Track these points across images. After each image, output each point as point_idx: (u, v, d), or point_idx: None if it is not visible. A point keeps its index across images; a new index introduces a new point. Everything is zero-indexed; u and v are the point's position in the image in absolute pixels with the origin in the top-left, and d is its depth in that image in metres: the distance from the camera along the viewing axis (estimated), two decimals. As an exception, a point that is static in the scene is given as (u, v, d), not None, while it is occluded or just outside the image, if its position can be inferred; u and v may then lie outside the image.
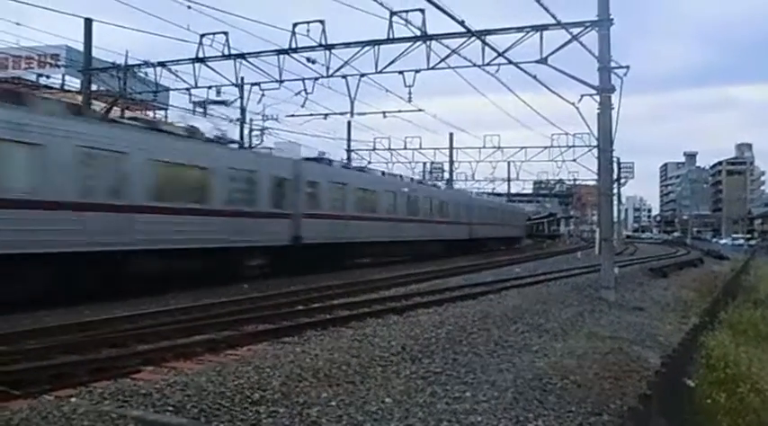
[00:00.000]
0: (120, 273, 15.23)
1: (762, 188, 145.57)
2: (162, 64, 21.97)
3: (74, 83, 29.72)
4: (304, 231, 21.75)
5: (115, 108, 25.44)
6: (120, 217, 15.27)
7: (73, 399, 6.11)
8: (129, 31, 61.40)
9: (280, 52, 20.15)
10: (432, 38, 18.46)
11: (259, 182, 20.20)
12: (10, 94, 16.39)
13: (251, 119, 31.81)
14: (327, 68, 20.07)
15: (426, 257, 30.67)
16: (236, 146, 23.50)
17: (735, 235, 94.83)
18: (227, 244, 18.41)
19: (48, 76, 34.32)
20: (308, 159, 25.23)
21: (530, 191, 73.53)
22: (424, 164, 51.54)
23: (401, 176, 36.04)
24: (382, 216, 28.14)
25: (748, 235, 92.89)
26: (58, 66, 33.84)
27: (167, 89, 25.58)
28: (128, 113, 27.17)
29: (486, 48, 17.77)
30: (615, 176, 40.50)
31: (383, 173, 34.38)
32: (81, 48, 24.18)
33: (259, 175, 20.24)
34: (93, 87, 25.42)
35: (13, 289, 12.36)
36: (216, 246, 18.03)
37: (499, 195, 58.90)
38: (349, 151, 42.44)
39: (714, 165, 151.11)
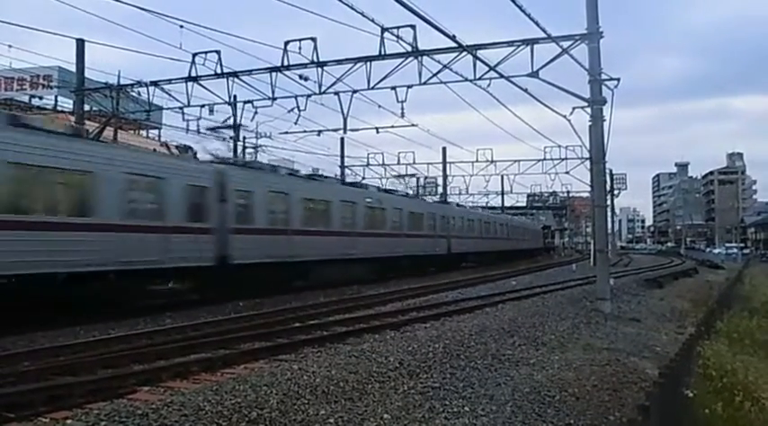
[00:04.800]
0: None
1: (754, 197, 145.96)
2: (155, 83, 21.96)
3: (66, 103, 29.76)
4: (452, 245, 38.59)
5: (108, 128, 25.46)
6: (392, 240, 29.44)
7: (69, 421, 6.07)
8: (122, 51, 61.72)
9: (272, 70, 20.17)
10: (423, 53, 18.55)
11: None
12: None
13: (244, 137, 31.90)
14: (320, 85, 20.10)
15: (499, 261, 45.17)
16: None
17: (728, 245, 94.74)
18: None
19: (40, 97, 34.45)
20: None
21: (523, 204, 73.66)
22: (418, 178, 51.76)
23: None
24: (488, 236, 46.80)
25: (742, 244, 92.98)
26: (51, 87, 33.94)
27: (160, 108, 25.62)
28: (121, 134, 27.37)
29: (478, 62, 17.82)
30: (608, 188, 40.61)
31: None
32: (73, 68, 24.19)
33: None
34: (86, 107, 25.45)
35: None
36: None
37: (493, 208, 59.26)
38: (342, 167, 42.49)
39: (706, 175, 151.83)
